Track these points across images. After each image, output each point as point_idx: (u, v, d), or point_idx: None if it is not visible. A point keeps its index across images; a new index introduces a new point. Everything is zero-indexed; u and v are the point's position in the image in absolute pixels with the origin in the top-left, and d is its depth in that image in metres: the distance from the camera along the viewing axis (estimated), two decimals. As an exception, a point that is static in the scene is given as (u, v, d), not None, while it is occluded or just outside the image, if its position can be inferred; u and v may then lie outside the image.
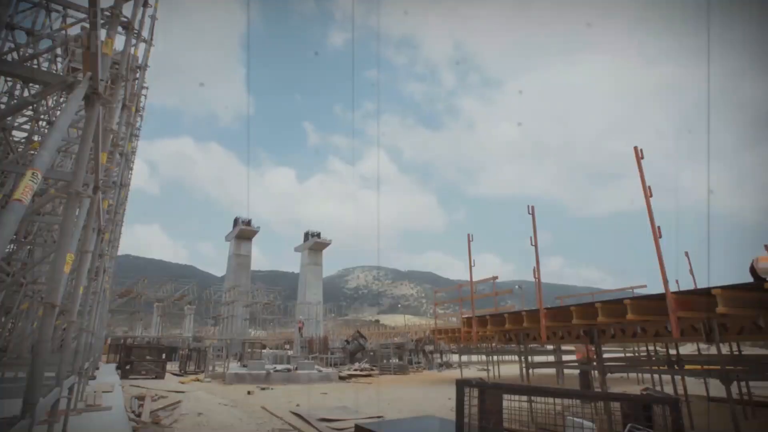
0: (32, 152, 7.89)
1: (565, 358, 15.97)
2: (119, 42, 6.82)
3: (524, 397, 3.91)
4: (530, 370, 10.85)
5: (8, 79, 8.24)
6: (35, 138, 8.33)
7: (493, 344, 17.35)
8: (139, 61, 10.33)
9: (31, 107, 8.18)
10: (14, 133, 8.48)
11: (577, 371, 12.23)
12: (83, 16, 7.17)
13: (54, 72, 8.53)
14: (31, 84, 7.27)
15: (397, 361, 27.23)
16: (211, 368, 21.23)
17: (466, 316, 13.32)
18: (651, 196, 6.50)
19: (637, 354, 17.92)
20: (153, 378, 18.72)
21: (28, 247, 10.43)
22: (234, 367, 20.71)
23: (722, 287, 5.90)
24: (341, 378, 19.59)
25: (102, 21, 4.36)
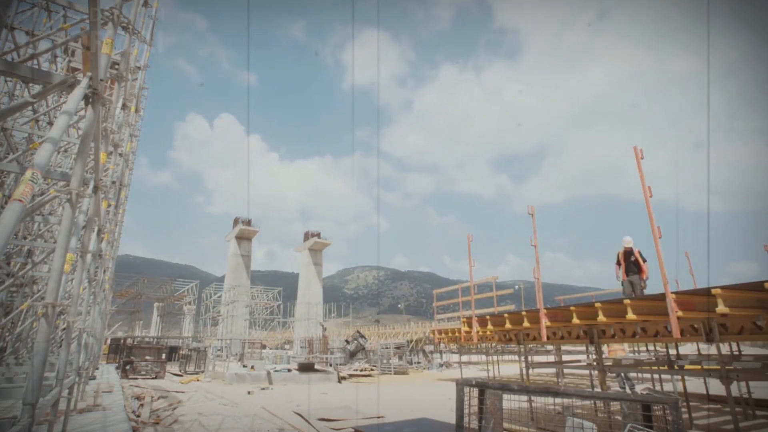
0: (32, 152, 7.88)
1: (565, 358, 15.97)
2: (119, 42, 6.83)
3: (524, 397, 3.91)
4: (530, 370, 10.85)
5: (8, 79, 8.25)
6: (35, 138, 8.32)
7: (493, 344, 17.34)
8: (140, 62, 10.34)
9: (31, 107, 8.18)
10: (14, 133, 8.48)
11: (579, 371, 12.22)
12: (83, 16, 7.17)
13: (54, 72, 8.52)
14: (31, 84, 7.28)
15: (397, 361, 27.24)
16: (211, 368, 21.23)
17: (466, 316, 13.31)
18: (651, 196, 6.48)
19: (637, 354, 17.91)
20: (153, 378, 18.74)
21: (28, 247, 10.43)
22: (234, 367, 20.71)
23: (722, 287, 5.88)
24: (341, 378, 19.59)
25: (102, 21, 4.36)
